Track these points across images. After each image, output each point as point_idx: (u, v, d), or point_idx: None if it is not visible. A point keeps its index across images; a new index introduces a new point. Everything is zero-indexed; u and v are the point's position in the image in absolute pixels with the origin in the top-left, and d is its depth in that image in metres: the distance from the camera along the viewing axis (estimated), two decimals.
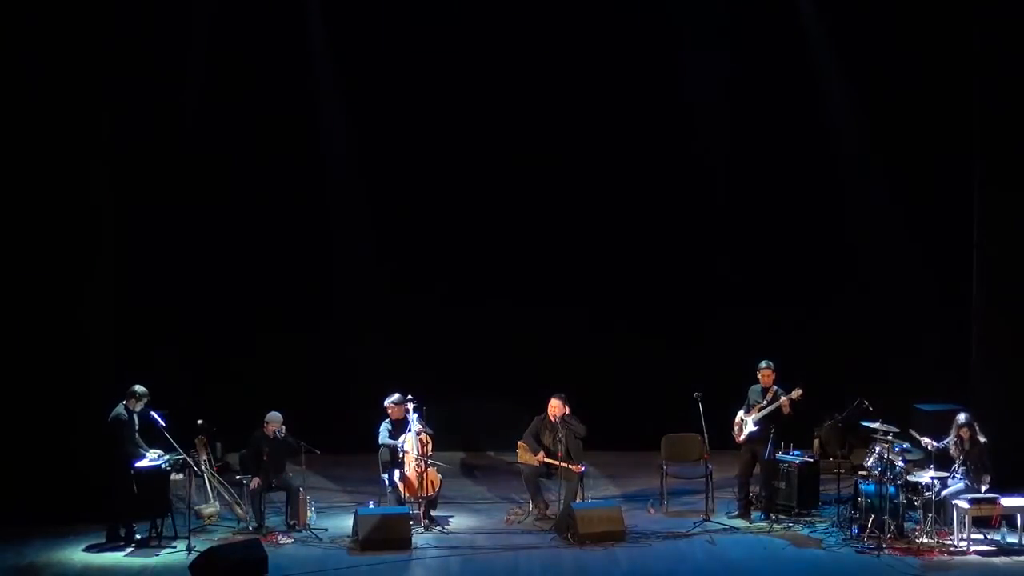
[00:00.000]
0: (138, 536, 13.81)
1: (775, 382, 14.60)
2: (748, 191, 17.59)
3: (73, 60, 14.57)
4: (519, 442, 14.73)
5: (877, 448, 13.86)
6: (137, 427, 14.00)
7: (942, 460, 14.12)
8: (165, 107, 16.47)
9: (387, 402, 14.69)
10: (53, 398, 14.52)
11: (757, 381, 14.71)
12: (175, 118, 16.65)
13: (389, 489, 14.45)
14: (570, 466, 14.42)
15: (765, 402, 14.54)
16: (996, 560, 13.33)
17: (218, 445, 15.55)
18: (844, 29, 16.91)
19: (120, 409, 13.87)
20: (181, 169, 16.81)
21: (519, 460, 14.78)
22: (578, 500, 14.38)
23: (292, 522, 14.24)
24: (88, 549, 13.72)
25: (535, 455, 14.53)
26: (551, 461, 14.45)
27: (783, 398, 14.42)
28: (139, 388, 13.96)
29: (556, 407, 14.57)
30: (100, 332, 14.85)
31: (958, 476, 13.86)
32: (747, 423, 14.62)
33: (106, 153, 14.96)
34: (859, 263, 17.72)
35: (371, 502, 14.69)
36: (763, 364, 14.67)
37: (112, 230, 15.11)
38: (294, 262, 17.49)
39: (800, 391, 14.38)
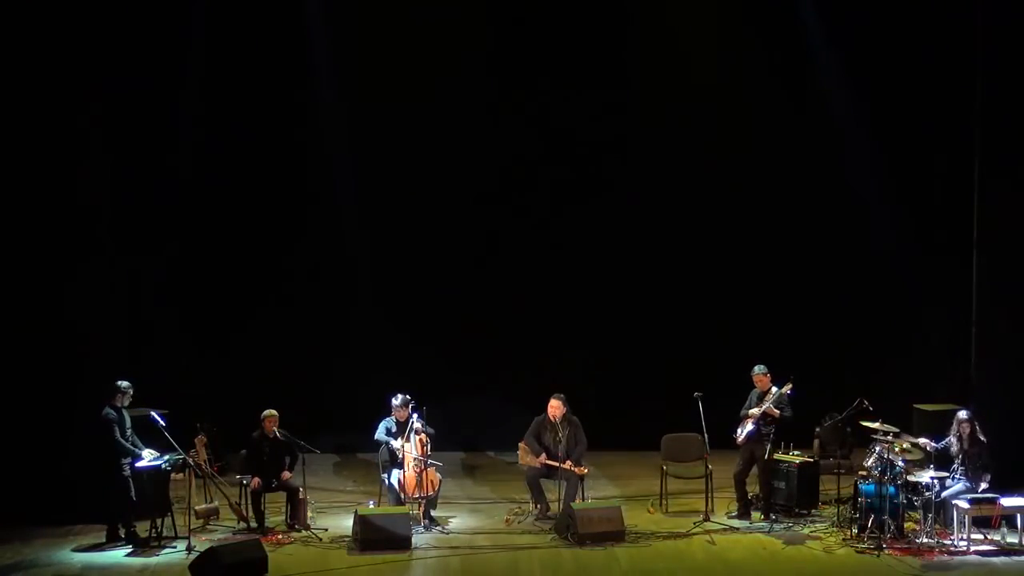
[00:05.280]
0: (138, 536, 13.82)
1: (772, 382, 14.60)
2: (748, 190, 17.59)
3: (69, 55, 14.56)
4: (520, 444, 14.72)
5: (877, 448, 13.86)
6: (129, 424, 13.99)
7: (942, 460, 14.12)
8: (160, 96, 16.45)
9: (393, 403, 14.68)
10: (52, 398, 14.49)
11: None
12: (171, 107, 16.63)
13: (388, 489, 14.45)
14: (573, 468, 14.41)
15: (765, 401, 14.54)
16: (996, 560, 13.34)
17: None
18: (845, 25, 16.92)
19: (107, 409, 13.86)
20: (183, 171, 16.83)
21: (520, 462, 14.78)
22: (578, 500, 14.39)
23: (292, 522, 14.24)
24: (88, 549, 13.72)
25: (536, 456, 14.53)
26: (552, 463, 14.45)
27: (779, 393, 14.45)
28: (123, 383, 13.94)
29: (556, 407, 14.57)
30: (98, 332, 14.83)
31: (958, 476, 13.86)
32: (745, 424, 14.63)
33: (101, 145, 14.93)
34: (859, 263, 17.72)
35: (371, 502, 14.70)
36: (756, 370, 14.68)
37: (107, 228, 15.10)
38: (295, 263, 17.51)
39: (790, 384, 14.38)
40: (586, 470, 14.61)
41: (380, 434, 14.67)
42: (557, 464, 14.41)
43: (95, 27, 14.71)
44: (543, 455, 14.49)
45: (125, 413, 13.99)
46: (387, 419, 14.70)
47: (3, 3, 14.53)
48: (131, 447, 13.89)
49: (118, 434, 13.79)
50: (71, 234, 14.68)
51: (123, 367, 14.50)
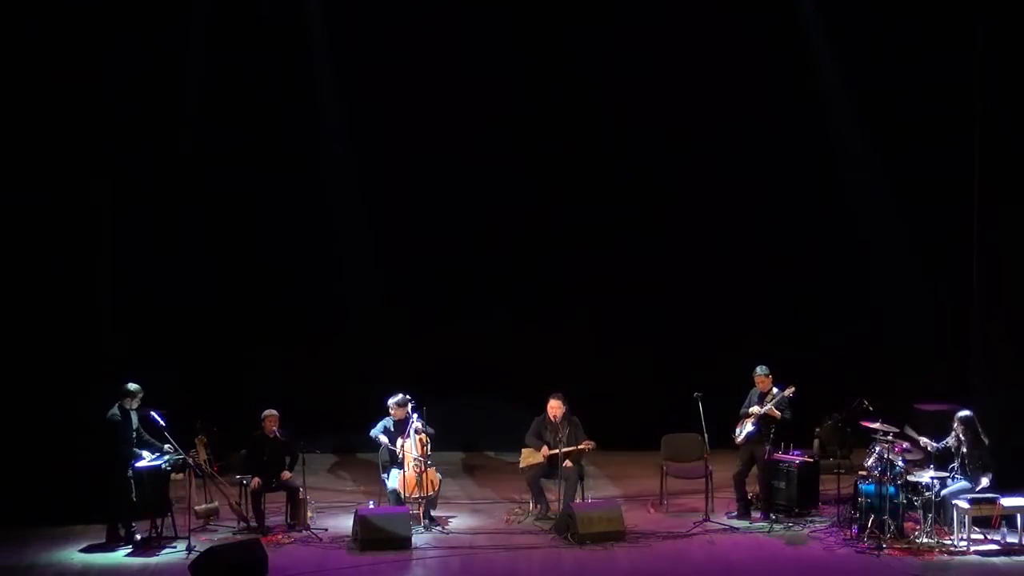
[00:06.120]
0: (138, 536, 13.82)
1: (774, 383, 14.61)
2: (748, 192, 17.59)
3: (73, 62, 14.58)
4: (523, 449, 14.70)
5: (877, 448, 13.85)
6: (136, 425, 14.00)
7: (942, 460, 14.12)
8: (166, 109, 16.49)
9: (390, 402, 14.69)
10: (53, 398, 14.50)
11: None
12: (175, 120, 16.67)
13: (388, 489, 14.46)
14: (581, 446, 14.34)
15: (765, 403, 14.55)
16: (996, 560, 13.33)
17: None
18: (846, 35, 16.95)
19: (114, 409, 13.87)
20: (184, 172, 16.84)
21: (523, 465, 14.70)
22: (578, 500, 14.38)
23: (292, 522, 14.24)
24: (88, 549, 13.73)
25: (539, 450, 14.51)
26: (555, 452, 14.39)
27: (780, 394, 14.44)
28: (132, 386, 13.95)
29: (555, 407, 14.57)
30: (100, 332, 14.84)
31: (958, 476, 13.86)
32: (745, 425, 14.63)
33: (107, 154, 14.95)
34: (859, 263, 17.74)
35: (371, 502, 14.70)
36: (759, 371, 14.68)
37: (112, 231, 15.12)
38: (296, 263, 17.52)
39: (793, 388, 14.39)
40: (592, 444, 14.52)
41: (375, 431, 14.67)
42: (559, 451, 14.34)
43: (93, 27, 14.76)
44: (544, 448, 14.45)
45: (133, 415, 13.99)
46: (386, 419, 14.71)
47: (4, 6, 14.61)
48: (131, 450, 13.88)
49: (121, 437, 13.79)
50: (73, 234, 14.69)
51: (126, 368, 14.52)
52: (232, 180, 17.20)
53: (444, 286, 17.55)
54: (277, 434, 14.35)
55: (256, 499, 14.14)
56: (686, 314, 17.70)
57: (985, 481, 13.72)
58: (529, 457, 14.63)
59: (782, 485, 14.70)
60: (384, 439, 14.58)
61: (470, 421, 17.12)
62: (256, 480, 14.18)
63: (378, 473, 14.85)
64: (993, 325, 15.09)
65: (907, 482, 13.77)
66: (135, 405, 13.98)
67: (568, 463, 14.44)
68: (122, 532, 13.89)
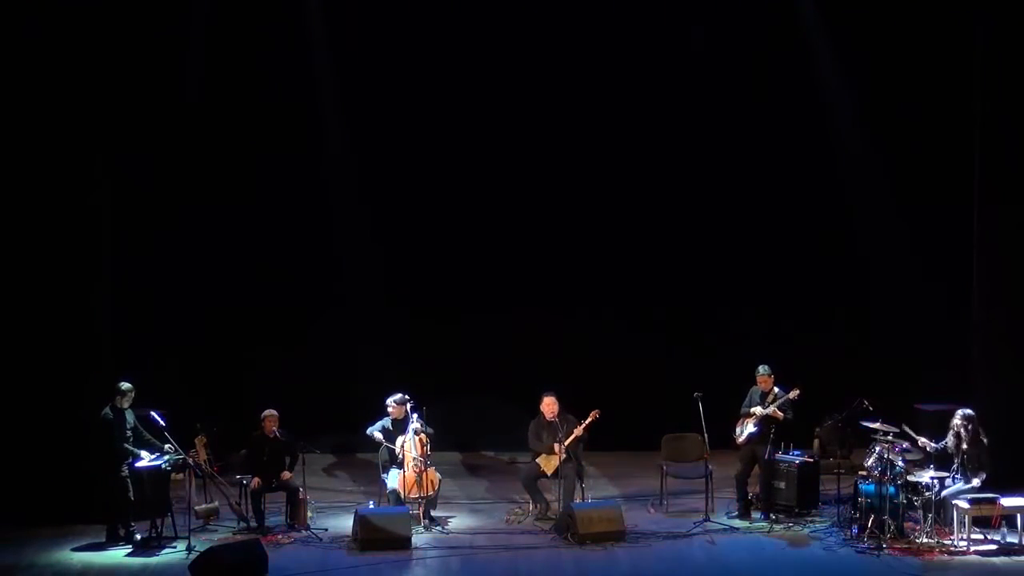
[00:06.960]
0: (138, 536, 13.82)
1: (775, 383, 14.60)
2: (748, 191, 17.59)
3: (73, 62, 14.57)
4: (537, 459, 14.66)
5: (877, 448, 13.85)
6: (131, 424, 14.00)
7: (942, 460, 14.12)
8: (166, 109, 16.50)
9: (389, 401, 14.70)
10: (53, 398, 14.49)
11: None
12: (175, 120, 16.67)
13: (388, 489, 14.46)
14: (589, 419, 14.33)
15: (767, 403, 14.54)
16: (996, 560, 13.33)
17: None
18: (846, 35, 16.94)
19: (106, 409, 13.87)
20: (184, 172, 16.84)
21: (549, 473, 14.62)
22: (578, 500, 14.38)
23: (292, 522, 14.24)
24: (88, 549, 13.72)
25: (553, 452, 14.47)
26: (571, 438, 14.35)
27: (784, 396, 14.44)
28: (124, 384, 13.94)
29: (550, 403, 14.56)
30: (100, 333, 14.83)
31: (957, 476, 13.86)
32: (747, 425, 14.63)
33: (107, 154, 14.96)
34: (860, 263, 17.73)
35: (371, 502, 14.70)
36: (761, 370, 14.66)
37: (112, 231, 15.12)
38: (297, 262, 17.51)
39: (798, 391, 14.39)
40: (597, 412, 14.45)
41: (371, 429, 14.66)
42: (574, 436, 14.34)
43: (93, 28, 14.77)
44: (557, 445, 14.41)
45: (127, 414, 14.00)
46: (385, 419, 14.71)
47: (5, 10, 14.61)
48: (129, 448, 13.89)
49: (114, 436, 13.79)
50: (73, 234, 14.68)
51: (126, 368, 14.52)
52: (232, 180, 17.20)
53: (443, 286, 17.54)
54: (277, 434, 14.35)
55: (256, 499, 14.14)
56: (686, 314, 17.71)
57: (977, 482, 13.73)
58: (549, 461, 14.58)
59: (782, 485, 14.69)
60: (379, 435, 14.59)
61: (469, 421, 17.10)
62: (256, 480, 14.18)
63: (378, 473, 14.85)
64: (993, 325, 15.10)
65: (907, 482, 13.76)
66: (127, 404, 13.97)
67: (577, 436, 14.38)
68: (122, 532, 13.89)
